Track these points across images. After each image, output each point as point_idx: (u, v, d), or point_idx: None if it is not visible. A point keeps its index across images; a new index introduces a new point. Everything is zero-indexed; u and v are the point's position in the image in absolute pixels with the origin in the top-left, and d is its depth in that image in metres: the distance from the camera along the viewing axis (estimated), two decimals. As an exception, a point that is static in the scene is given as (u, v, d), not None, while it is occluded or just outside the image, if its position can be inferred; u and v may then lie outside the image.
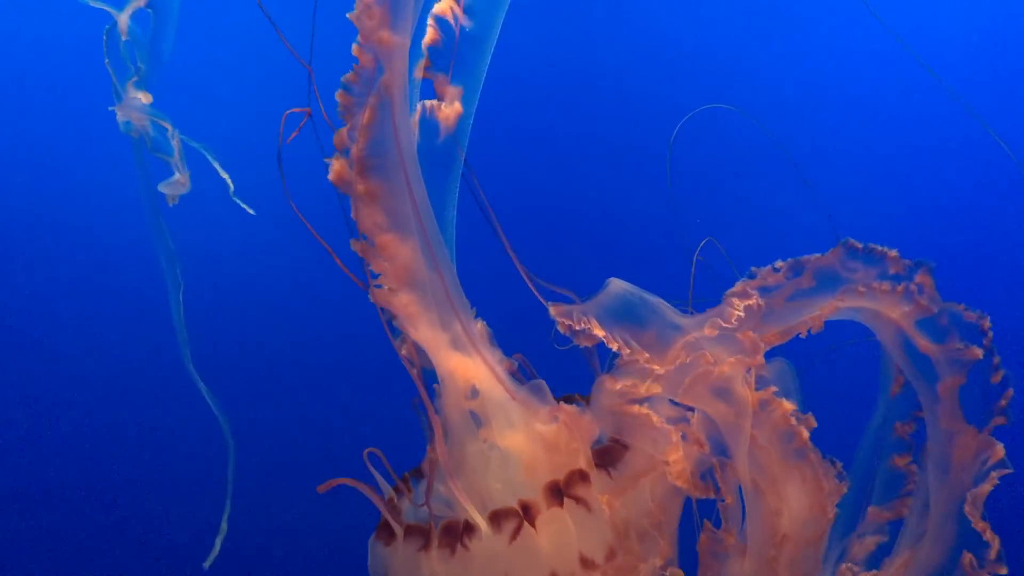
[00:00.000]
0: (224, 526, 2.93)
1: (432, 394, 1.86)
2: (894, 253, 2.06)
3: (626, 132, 6.12)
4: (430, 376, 1.86)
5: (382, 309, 1.77)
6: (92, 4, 2.70)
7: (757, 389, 1.91)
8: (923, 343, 2.10)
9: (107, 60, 2.64)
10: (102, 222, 5.85)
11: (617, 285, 1.87)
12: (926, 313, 2.07)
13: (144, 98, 2.70)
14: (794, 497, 1.95)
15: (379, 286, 1.76)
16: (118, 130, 2.73)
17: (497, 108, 1.91)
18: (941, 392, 2.07)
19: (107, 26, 2.65)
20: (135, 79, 2.67)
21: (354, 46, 1.69)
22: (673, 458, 1.86)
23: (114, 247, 5.78)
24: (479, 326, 1.87)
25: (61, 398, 5.86)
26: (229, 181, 2.85)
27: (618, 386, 1.87)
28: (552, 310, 1.80)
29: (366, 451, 1.87)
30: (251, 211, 2.92)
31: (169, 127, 2.71)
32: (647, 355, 1.84)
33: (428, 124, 1.80)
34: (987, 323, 2.04)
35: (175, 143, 2.71)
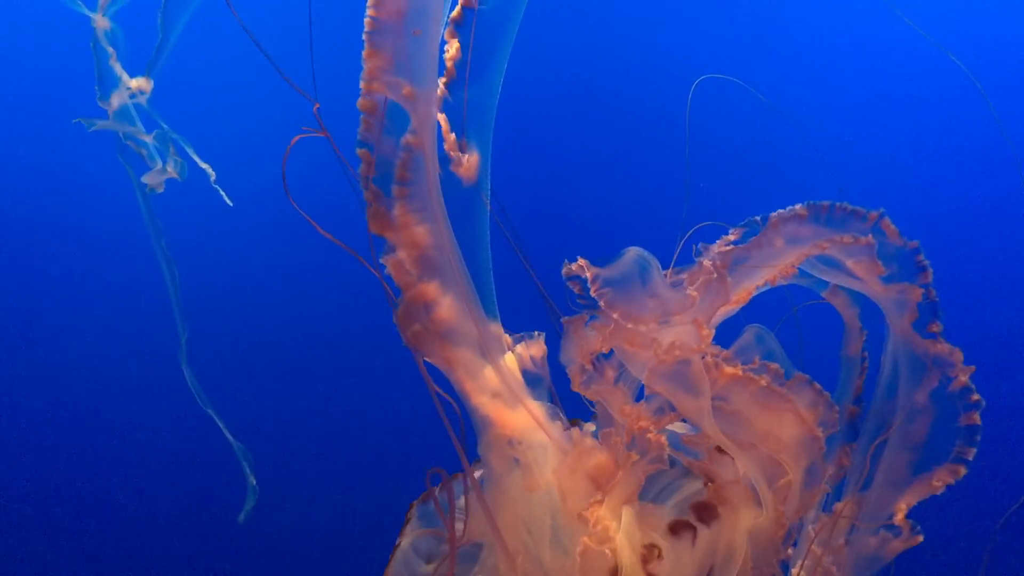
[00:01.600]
0: (252, 480, 3.06)
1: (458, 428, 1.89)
2: (855, 208, 2.22)
3: (631, 132, 6.09)
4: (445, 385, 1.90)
5: (419, 356, 1.83)
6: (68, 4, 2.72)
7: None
8: (877, 288, 2.29)
9: (97, 64, 2.67)
10: (105, 223, 5.74)
11: (631, 252, 1.95)
12: (880, 271, 2.23)
13: (138, 84, 2.74)
14: (785, 438, 2.13)
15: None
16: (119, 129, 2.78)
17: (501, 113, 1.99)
18: (899, 332, 2.24)
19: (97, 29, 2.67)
20: (119, 73, 2.71)
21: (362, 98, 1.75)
22: (627, 410, 1.96)
23: (119, 247, 5.69)
24: (536, 344, 1.94)
25: (61, 398, 5.82)
26: (210, 170, 2.92)
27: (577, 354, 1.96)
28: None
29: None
30: (230, 202, 2.99)
31: (145, 136, 2.76)
32: (609, 297, 1.90)
33: (449, 173, 1.86)
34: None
35: (149, 139, 2.77)
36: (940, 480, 2.14)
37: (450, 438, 1.89)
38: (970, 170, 6.26)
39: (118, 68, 2.74)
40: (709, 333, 1.99)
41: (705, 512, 1.96)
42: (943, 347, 2.18)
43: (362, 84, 1.76)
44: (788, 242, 2.20)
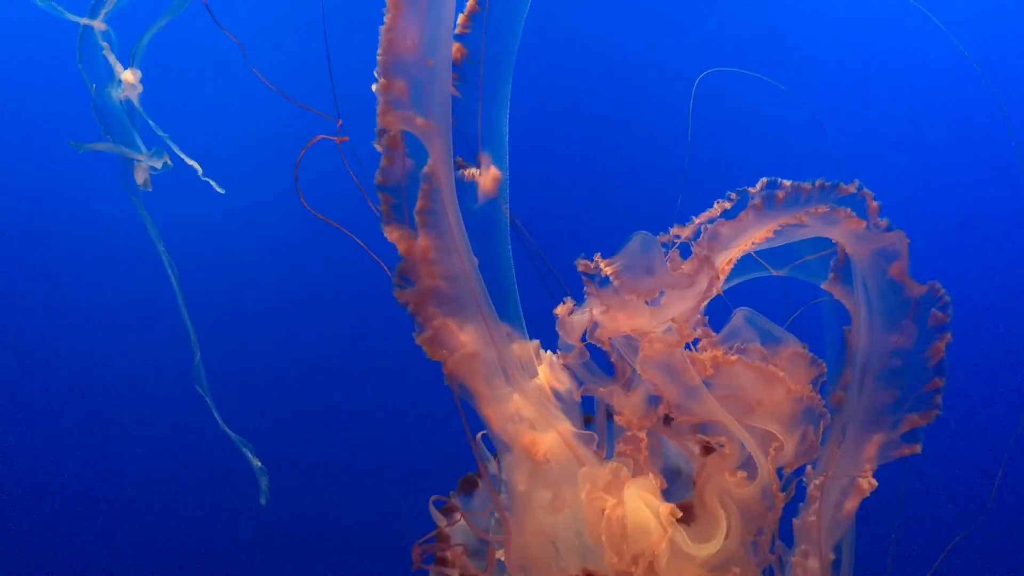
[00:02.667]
0: (257, 462, 3.13)
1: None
2: (835, 183, 2.32)
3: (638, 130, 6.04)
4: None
5: (454, 385, 1.87)
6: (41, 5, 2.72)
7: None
8: (860, 246, 2.40)
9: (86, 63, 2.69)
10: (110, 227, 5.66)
11: (638, 234, 2.02)
12: (859, 227, 2.34)
13: (128, 77, 2.76)
14: (777, 408, 2.25)
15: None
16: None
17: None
18: (894, 275, 2.33)
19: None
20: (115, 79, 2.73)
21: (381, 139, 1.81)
22: (627, 415, 2.05)
23: (126, 250, 5.61)
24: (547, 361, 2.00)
25: (68, 399, 5.79)
26: (197, 166, 2.95)
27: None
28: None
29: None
30: (220, 190, 3.03)
31: (139, 156, 2.78)
32: (615, 268, 1.98)
33: (467, 191, 1.94)
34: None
35: (142, 159, 2.80)
36: (908, 426, 2.22)
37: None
38: (977, 170, 6.24)
39: (112, 59, 2.75)
40: (691, 331, 2.07)
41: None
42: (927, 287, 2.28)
43: (378, 117, 1.80)
44: (768, 218, 2.31)
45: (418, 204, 1.83)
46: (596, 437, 1.97)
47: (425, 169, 1.83)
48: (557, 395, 2.00)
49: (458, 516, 2.00)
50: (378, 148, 1.83)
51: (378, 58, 1.80)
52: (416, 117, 1.81)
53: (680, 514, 1.98)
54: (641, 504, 1.96)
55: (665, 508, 1.96)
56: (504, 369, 1.91)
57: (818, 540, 2.24)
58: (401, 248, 1.84)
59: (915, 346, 2.27)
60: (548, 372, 2.00)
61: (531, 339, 2.01)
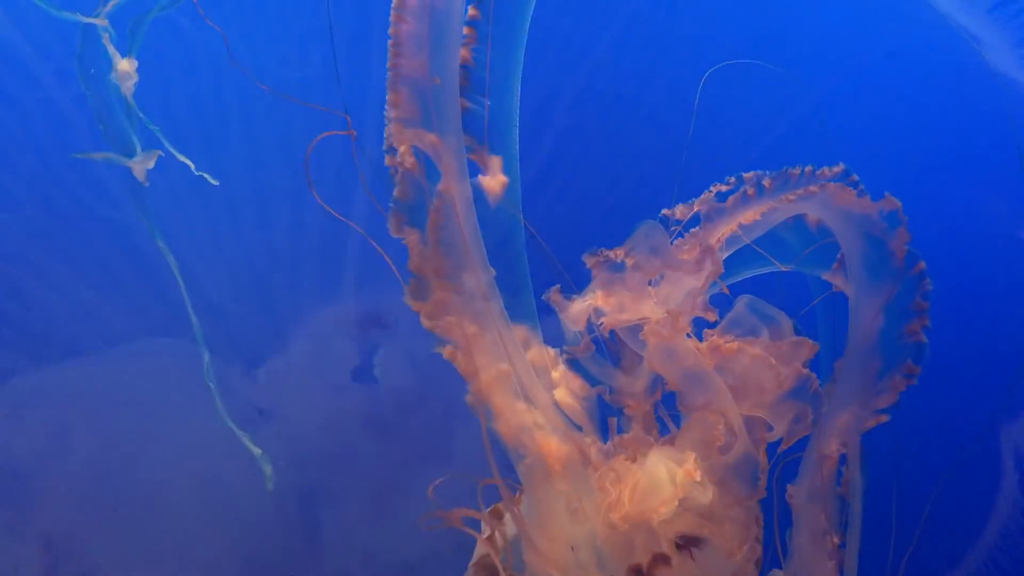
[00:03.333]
0: (258, 451, 3.17)
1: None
2: (820, 169, 2.38)
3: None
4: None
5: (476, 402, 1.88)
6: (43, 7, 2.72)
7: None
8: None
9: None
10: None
11: (644, 224, 2.06)
12: (851, 194, 2.39)
13: (124, 67, 2.75)
14: (772, 388, 2.32)
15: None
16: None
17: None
18: (894, 247, 2.39)
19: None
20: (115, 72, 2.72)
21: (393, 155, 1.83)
22: (631, 403, 2.17)
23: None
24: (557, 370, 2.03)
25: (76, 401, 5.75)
26: (189, 163, 2.96)
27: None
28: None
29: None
30: (214, 181, 3.04)
31: (134, 164, 2.78)
32: (626, 249, 2.05)
33: (478, 195, 1.92)
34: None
35: (137, 167, 2.81)
36: (884, 401, 2.24)
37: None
38: (979, 170, 6.26)
39: (112, 50, 2.73)
40: (685, 325, 2.12)
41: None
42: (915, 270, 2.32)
43: (388, 133, 1.82)
44: (759, 202, 2.37)
45: (430, 220, 1.84)
46: (612, 448, 2.01)
47: (439, 186, 1.84)
48: (571, 402, 2.03)
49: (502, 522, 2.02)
50: (390, 164, 1.84)
51: (387, 72, 1.82)
52: (426, 135, 1.83)
53: (699, 477, 2.02)
54: (660, 467, 2.01)
55: (683, 471, 2.00)
56: (520, 380, 1.92)
57: (803, 516, 2.33)
58: (412, 259, 1.85)
59: (894, 321, 2.29)
60: (562, 380, 2.04)
61: (543, 342, 2.03)
